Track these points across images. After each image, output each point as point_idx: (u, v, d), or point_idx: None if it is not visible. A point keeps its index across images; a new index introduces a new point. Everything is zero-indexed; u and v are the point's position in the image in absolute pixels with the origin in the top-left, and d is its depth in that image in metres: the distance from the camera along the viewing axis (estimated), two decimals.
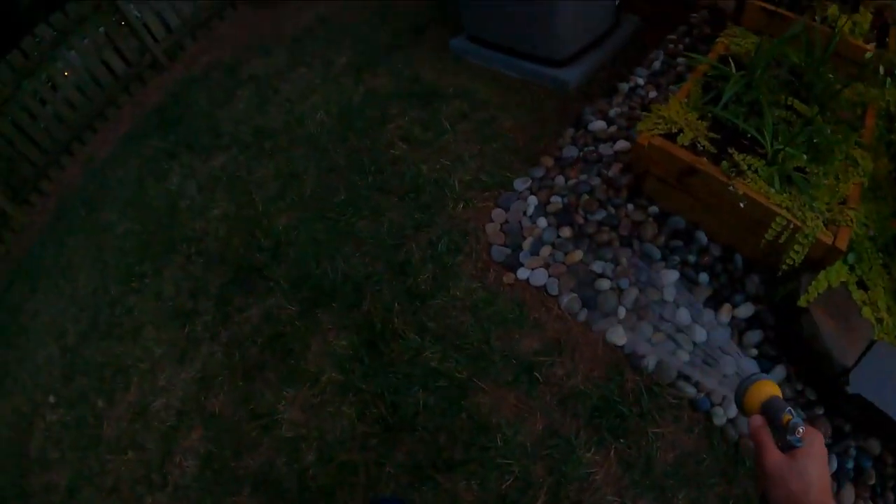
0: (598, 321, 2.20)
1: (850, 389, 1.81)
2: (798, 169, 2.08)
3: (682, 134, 2.16)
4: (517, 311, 2.29)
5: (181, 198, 3.52)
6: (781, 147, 2.07)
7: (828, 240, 1.95)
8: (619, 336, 2.15)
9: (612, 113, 2.82)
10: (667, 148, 2.14)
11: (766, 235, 2.03)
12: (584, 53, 3.16)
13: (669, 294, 2.17)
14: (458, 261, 2.49)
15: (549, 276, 2.34)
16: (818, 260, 2.00)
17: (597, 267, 2.28)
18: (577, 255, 2.34)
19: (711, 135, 2.16)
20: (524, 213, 2.55)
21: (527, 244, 2.45)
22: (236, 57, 4.62)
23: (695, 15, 3.37)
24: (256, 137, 3.63)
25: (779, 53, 2.35)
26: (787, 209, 1.99)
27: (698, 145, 2.14)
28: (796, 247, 1.99)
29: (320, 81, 3.82)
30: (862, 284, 2.02)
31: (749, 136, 2.13)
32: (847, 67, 2.37)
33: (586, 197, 2.47)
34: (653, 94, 2.87)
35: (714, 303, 2.17)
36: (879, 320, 1.96)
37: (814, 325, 1.92)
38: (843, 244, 1.95)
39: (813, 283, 1.98)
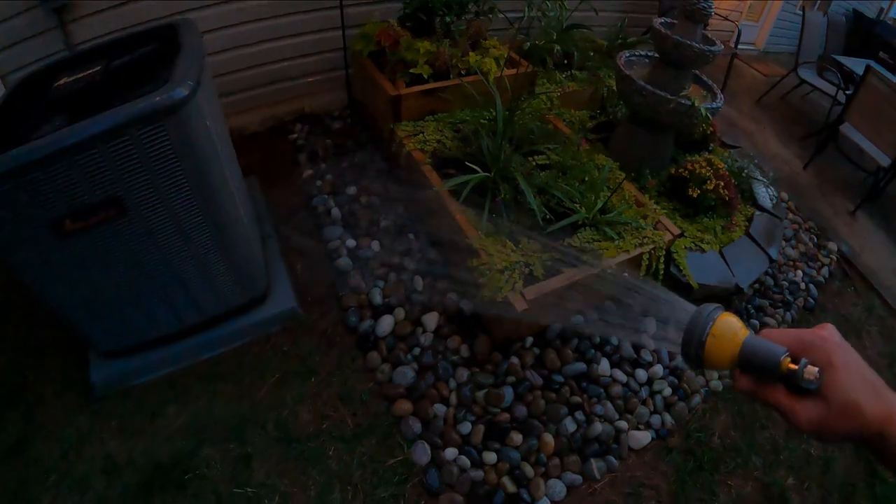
0: None
1: None
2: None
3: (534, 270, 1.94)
4: None
5: None
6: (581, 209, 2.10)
7: (672, 234, 2.16)
8: None
9: (377, 300, 2.21)
10: (543, 290, 1.89)
11: (641, 274, 2.12)
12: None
13: None
14: None
15: None
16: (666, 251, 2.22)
17: None
18: None
19: (545, 256, 2.01)
20: None
21: None
22: None
23: (293, 135, 2.96)
24: None
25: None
26: (642, 244, 2.08)
27: (548, 263, 1.98)
28: (661, 259, 2.15)
29: None
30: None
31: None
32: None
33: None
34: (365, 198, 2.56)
35: None
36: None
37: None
38: (675, 229, 2.20)
39: (685, 273, 2.22)
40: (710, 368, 0.52)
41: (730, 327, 0.51)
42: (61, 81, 1.62)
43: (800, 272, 2.86)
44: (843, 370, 0.48)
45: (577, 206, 2.11)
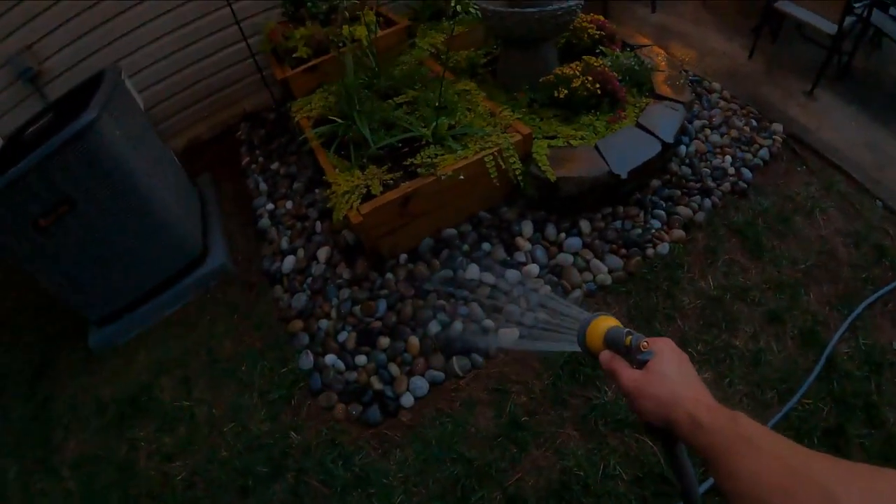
0: None
1: None
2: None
3: (372, 188, 2.14)
4: None
5: None
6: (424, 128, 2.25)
7: (522, 134, 2.24)
8: None
9: (284, 246, 2.61)
10: (377, 204, 2.08)
11: (491, 175, 2.21)
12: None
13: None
14: None
15: None
16: (525, 154, 2.29)
17: None
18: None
19: (386, 175, 2.20)
20: None
21: None
22: None
23: (239, 132, 3.43)
24: None
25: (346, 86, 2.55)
26: (483, 149, 2.19)
27: (390, 182, 2.17)
28: (511, 159, 2.23)
29: None
30: None
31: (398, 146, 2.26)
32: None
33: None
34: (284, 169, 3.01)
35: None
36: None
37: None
38: (526, 129, 2.27)
39: (544, 168, 2.26)
40: (591, 349, 0.73)
41: (603, 321, 0.74)
42: (29, 131, 2.26)
43: (728, 157, 2.70)
44: (668, 359, 0.63)
45: (424, 129, 2.28)
